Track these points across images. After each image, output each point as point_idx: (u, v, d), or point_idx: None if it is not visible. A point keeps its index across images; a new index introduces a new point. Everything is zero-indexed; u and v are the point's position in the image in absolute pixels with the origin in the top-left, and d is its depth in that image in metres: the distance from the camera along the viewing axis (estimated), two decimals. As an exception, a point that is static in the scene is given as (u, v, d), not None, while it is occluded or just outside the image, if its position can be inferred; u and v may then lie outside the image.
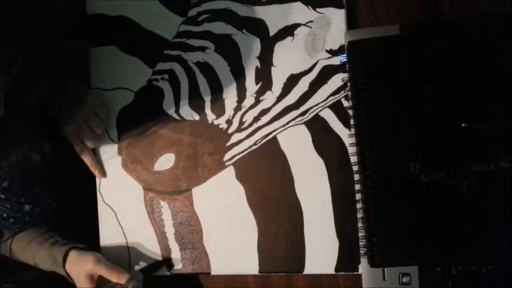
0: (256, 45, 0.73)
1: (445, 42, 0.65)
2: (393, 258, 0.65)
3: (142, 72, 0.77)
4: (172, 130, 0.76)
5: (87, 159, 0.77)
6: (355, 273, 0.69)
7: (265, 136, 0.73)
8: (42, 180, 0.75)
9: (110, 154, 0.78)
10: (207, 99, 0.74)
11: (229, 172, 0.74)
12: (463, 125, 0.63)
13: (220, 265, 0.74)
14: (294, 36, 0.72)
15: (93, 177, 0.79)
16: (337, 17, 0.71)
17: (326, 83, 0.71)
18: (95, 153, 0.78)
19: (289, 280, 0.73)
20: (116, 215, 0.78)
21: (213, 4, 0.74)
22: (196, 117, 0.75)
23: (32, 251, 0.76)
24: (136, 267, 0.76)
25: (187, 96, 0.75)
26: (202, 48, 0.75)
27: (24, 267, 0.80)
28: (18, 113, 0.59)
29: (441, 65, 0.65)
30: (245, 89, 0.73)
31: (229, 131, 0.74)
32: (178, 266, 0.76)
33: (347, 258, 0.69)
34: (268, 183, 0.72)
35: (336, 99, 0.71)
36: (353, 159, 0.68)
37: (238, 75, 0.73)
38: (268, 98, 0.73)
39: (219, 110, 0.74)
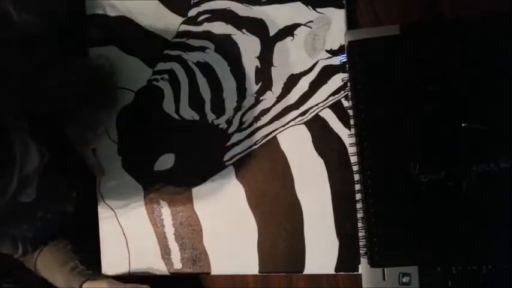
0: (256, 45, 0.73)
1: (445, 42, 0.65)
2: (393, 258, 0.65)
3: (143, 72, 0.77)
4: (172, 130, 0.75)
5: (87, 159, 0.77)
6: (355, 273, 0.69)
7: (265, 136, 0.73)
8: (54, 186, 0.75)
9: (110, 154, 0.78)
10: (207, 99, 0.74)
11: (229, 172, 0.74)
12: (463, 125, 0.63)
13: (220, 265, 0.74)
14: (294, 36, 0.72)
15: (93, 177, 0.79)
16: (337, 17, 0.71)
17: (326, 83, 0.71)
18: (94, 153, 0.78)
19: (289, 280, 0.73)
20: (115, 215, 0.78)
21: (213, 4, 0.74)
22: (196, 117, 0.75)
23: (52, 271, 0.77)
24: None
25: (187, 96, 0.75)
26: (202, 48, 0.75)
27: (25, 268, 0.80)
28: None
29: (441, 65, 0.65)
30: (245, 89, 0.73)
31: (229, 131, 0.74)
32: (178, 266, 0.76)
33: (347, 258, 0.69)
34: (268, 183, 0.72)
35: (336, 99, 0.71)
36: (353, 159, 0.69)
37: (238, 75, 0.73)
38: (268, 98, 0.73)
39: (219, 110, 0.74)
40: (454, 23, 0.67)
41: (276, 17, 0.72)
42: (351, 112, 0.68)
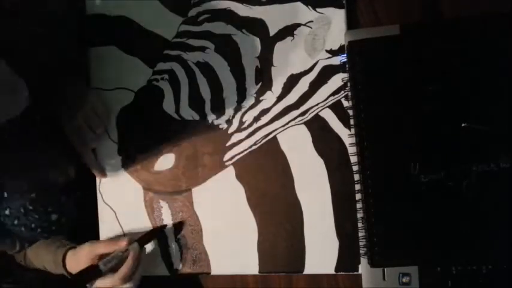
0: (256, 45, 0.73)
1: (445, 42, 0.65)
2: (393, 258, 0.65)
3: (143, 72, 0.77)
4: (172, 130, 0.75)
5: (87, 159, 0.77)
6: (355, 273, 0.69)
7: (265, 136, 0.73)
8: (67, 189, 0.75)
9: (110, 154, 0.78)
10: (207, 99, 0.74)
11: (229, 172, 0.74)
12: (463, 125, 0.63)
13: (220, 265, 0.74)
14: (294, 36, 0.72)
15: (93, 177, 0.79)
16: (337, 17, 0.71)
17: (326, 83, 0.71)
18: (95, 153, 0.78)
19: (289, 280, 0.73)
20: (116, 215, 0.78)
21: (213, 4, 0.74)
22: (196, 117, 0.75)
23: (41, 255, 0.77)
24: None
25: (187, 96, 0.75)
26: (202, 48, 0.75)
27: (25, 267, 0.80)
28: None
29: (441, 65, 0.65)
30: (245, 89, 0.73)
31: (229, 131, 0.74)
32: (178, 266, 0.76)
33: (347, 258, 0.69)
34: (268, 183, 0.72)
35: (336, 99, 0.71)
36: (353, 159, 0.68)
37: (238, 75, 0.73)
38: (268, 98, 0.73)
39: (219, 110, 0.74)
40: (454, 23, 0.67)
41: (276, 17, 0.72)
42: (351, 112, 0.68)
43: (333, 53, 0.71)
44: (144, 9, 0.77)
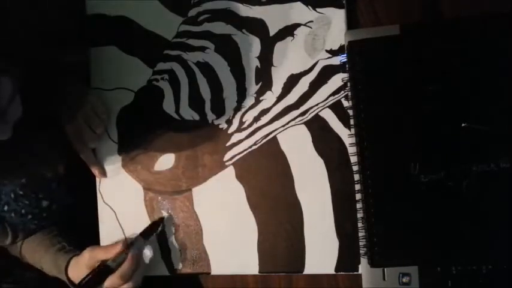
0: (256, 45, 0.73)
1: (445, 42, 0.65)
2: (393, 258, 0.65)
3: (143, 72, 0.77)
4: (172, 130, 0.75)
5: (87, 159, 0.77)
6: (355, 273, 0.69)
7: (265, 136, 0.73)
8: (59, 176, 0.75)
9: (110, 154, 0.78)
10: (207, 99, 0.74)
11: (229, 172, 0.74)
12: (463, 125, 0.63)
13: (220, 265, 0.74)
14: (294, 36, 0.72)
15: (93, 177, 0.79)
16: (337, 17, 0.71)
17: (326, 83, 0.71)
18: (95, 153, 0.78)
19: (289, 280, 0.73)
20: (116, 215, 0.78)
21: (213, 4, 0.74)
22: (196, 117, 0.75)
23: (39, 254, 0.77)
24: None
25: (187, 96, 0.75)
26: (202, 48, 0.75)
27: (24, 267, 0.80)
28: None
29: (441, 65, 0.65)
30: (245, 89, 0.73)
31: (229, 131, 0.74)
32: (178, 266, 0.76)
33: (347, 258, 0.69)
34: (268, 183, 0.72)
35: (336, 99, 0.71)
36: (353, 159, 0.68)
37: (238, 75, 0.73)
38: (268, 98, 0.73)
39: (219, 110, 0.74)
40: (454, 23, 0.67)
41: (276, 17, 0.72)
42: (351, 112, 0.68)
43: (333, 53, 0.71)
44: (144, 9, 0.77)
